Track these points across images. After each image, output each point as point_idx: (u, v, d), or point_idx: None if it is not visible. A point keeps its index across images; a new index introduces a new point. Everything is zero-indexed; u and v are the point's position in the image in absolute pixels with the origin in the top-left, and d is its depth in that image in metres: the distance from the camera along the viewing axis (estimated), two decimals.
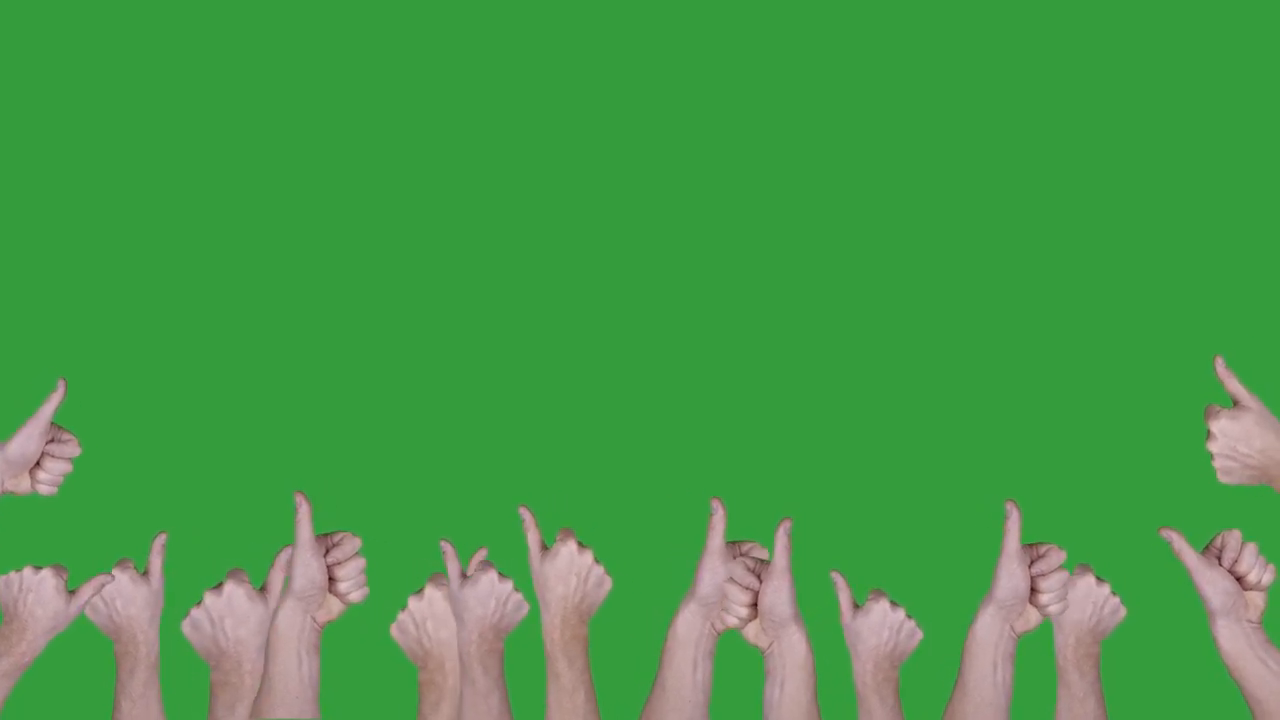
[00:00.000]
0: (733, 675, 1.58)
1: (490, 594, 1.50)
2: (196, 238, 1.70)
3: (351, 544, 1.52)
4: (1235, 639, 1.47)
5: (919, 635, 1.51)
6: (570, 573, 1.50)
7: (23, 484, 1.50)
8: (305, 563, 1.49)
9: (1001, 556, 1.47)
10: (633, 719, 1.54)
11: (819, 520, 1.65)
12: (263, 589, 1.52)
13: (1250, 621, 1.48)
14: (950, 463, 1.66)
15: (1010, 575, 1.47)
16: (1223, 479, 1.51)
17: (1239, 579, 1.49)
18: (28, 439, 1.48)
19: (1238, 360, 1.67)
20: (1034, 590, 1.48)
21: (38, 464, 1.50)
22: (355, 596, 1.52)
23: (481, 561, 1.52)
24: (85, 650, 1.58)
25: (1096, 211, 1.70)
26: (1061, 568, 1.49)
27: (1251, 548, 1.49)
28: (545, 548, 1.52)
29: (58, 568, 1.47)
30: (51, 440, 1.50)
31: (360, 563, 1.52)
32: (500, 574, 1.51)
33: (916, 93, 1.72)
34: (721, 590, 1.49)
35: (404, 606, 1.53)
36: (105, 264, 1.69)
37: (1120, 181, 1.70)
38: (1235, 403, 1.51)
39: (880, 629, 1.50)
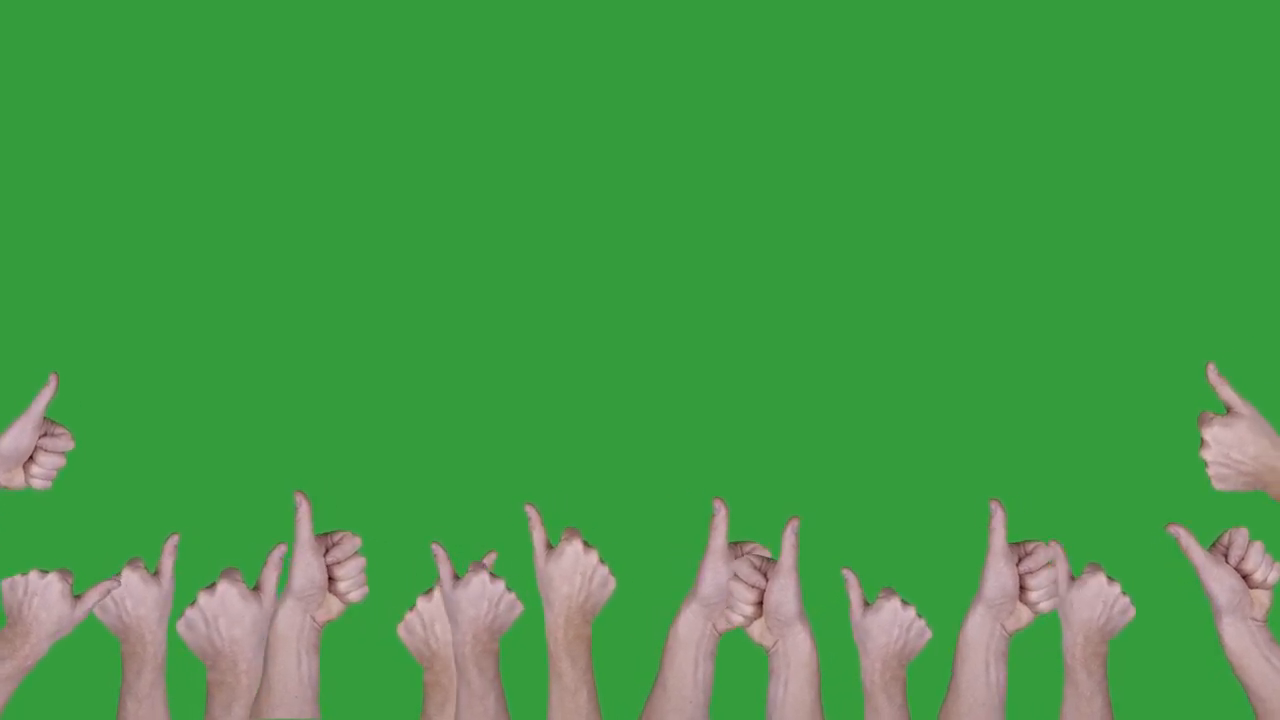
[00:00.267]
0: (735, 674, 1.58)
1: (482, 595, 1.50)
2: (193, 234, 1.69)
3: (351, 543, 1.52)
4: (1240, 637, 1.47)
5: (928, 635, 1.51)
6: (575, 572, 1.50)
7: (16, 479, 1.49)
8: (305, 562, 1.49)
9: (988, 556, 1.47)
10: (633, 719, 1.54)
11: (822, 519, 1.65)
12: (256, 588, 1.51)
13: (1255, 620, 1.48)
14: (951, 462, 1.66)
15: (998, 574, 1.47)
16: (1217, 486, 1.51)
17: (1245, 577, 1.49)
18: (20, 433, 1.47)
19: (1231, 365, 1.67)
20: (1023, 588, 1.49)
21: (31, 458, 1.49)
22: (355, 596, 1.51)
23: (474, 562, 1.51)
24: (90, 649, 1.58)
25: (1095, 215, 1.70)
26: (1049, 564, 1.49)
27: (1258, 546, 1.49)
28: (550, 546, 1.51)
29: (64, 572, 1.46)
30: (44, 434, 1.50)
31: (360, 562, 1.51)
32: (492, 575, 1.50)
33: (915, 94, 1.72)
34: (724, 591, 1.49)
35: (411, 606, 1.53)
36: (100, 259, 1.69)
37: (1118, 186, 1.71)
38: (1228, 410, 1.51)
39: (891, 627, 1.50)
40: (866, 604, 1.51)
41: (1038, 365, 1.68)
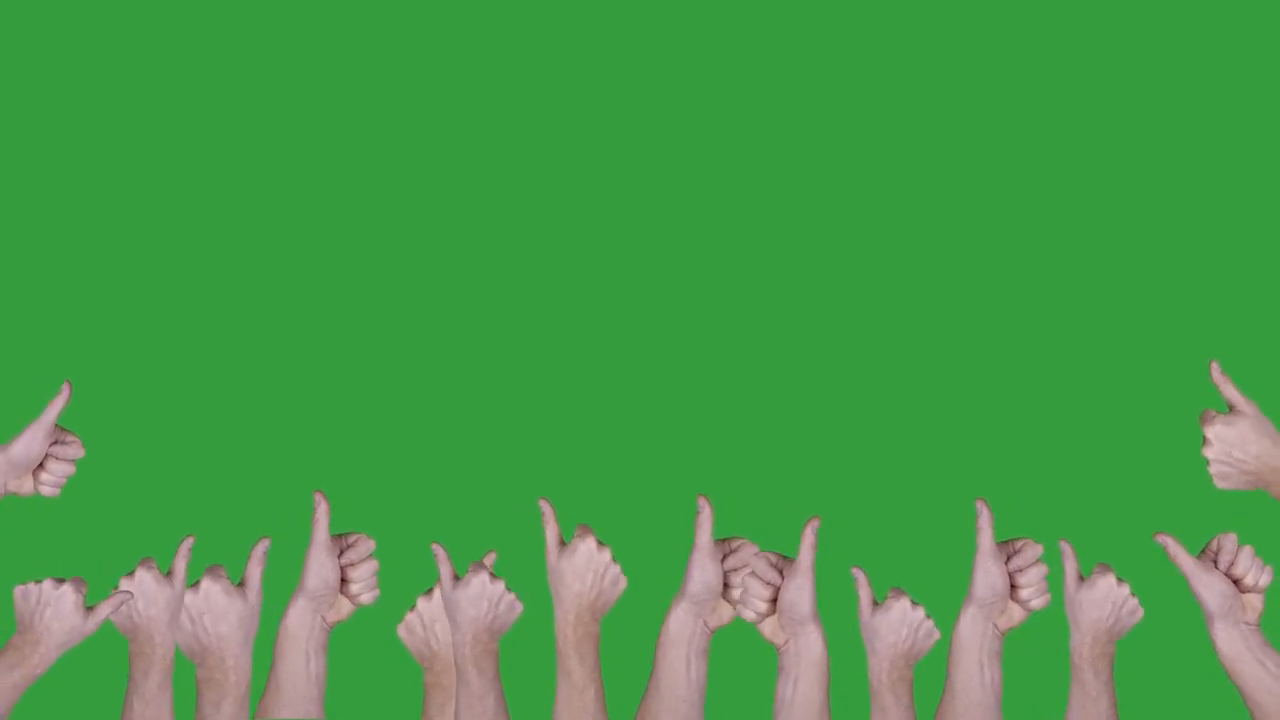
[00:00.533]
0: (736, 673, 1.59)
1: (482, 595, 1.50)
2: (202, 239, 1.70)
3: (366, 546, 1.52)
4: (1233, 642, 1.47)
5: (936, 635, 1.51)
6: (588, 570, 1.50)
7: (26, 485, 1.49)
8: (320, 562, 1.50)
9: (977, 555, 1.48)
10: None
11: (828, 519, 1.66)
12: (241, 584, 1.51)
13: (1248, 624, 1.48)
14: (954, 462, 1.67)
15: (987, 573, 1.47)
16: (1219, 485, 1.50)
17: (1236, 581, 1.49)
18: (32, 440, 1.47)
19: (1233, 364, 1.68)
20: (1014, 586, 1.49)
21: (41, 465, 1.49)
22: (366, 598, 1.52)
23: (474, 563, 1.51)
24: (94, 647, 1.58)
25: (1094, 214, 1.72)
26: (1039, 561, 1.49)
27: (1248, 550, 1.49)
28: (563, 543, 1.51)
29: (78, 582, 1.46)
30: (55, 442, 1.50)
31: (373, 565, 1.52)
32: (492, 575, 1.50)
33: (913, 93, 1.73)
34: (712, 588, 1.49)
35: (412, 607, 1.53)
36: (110, 266, 1.69)
37: (1117, 184, 1.72)
38: (1231, 408, 1.50)
39: (899, 627, 1.50)
40: (876, 603, 1.51)
41: (1039, 365, 1.69)
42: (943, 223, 1.72)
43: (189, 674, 1.54)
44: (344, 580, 1.51)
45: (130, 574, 1.49)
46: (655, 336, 1.70)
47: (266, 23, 1.72)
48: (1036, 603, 1.49)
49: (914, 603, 1.50)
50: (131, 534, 1.63)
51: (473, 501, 1.66)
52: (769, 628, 1.50)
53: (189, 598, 1.49)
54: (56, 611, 1.45)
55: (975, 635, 1.48)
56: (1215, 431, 1.49)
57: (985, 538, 1.47)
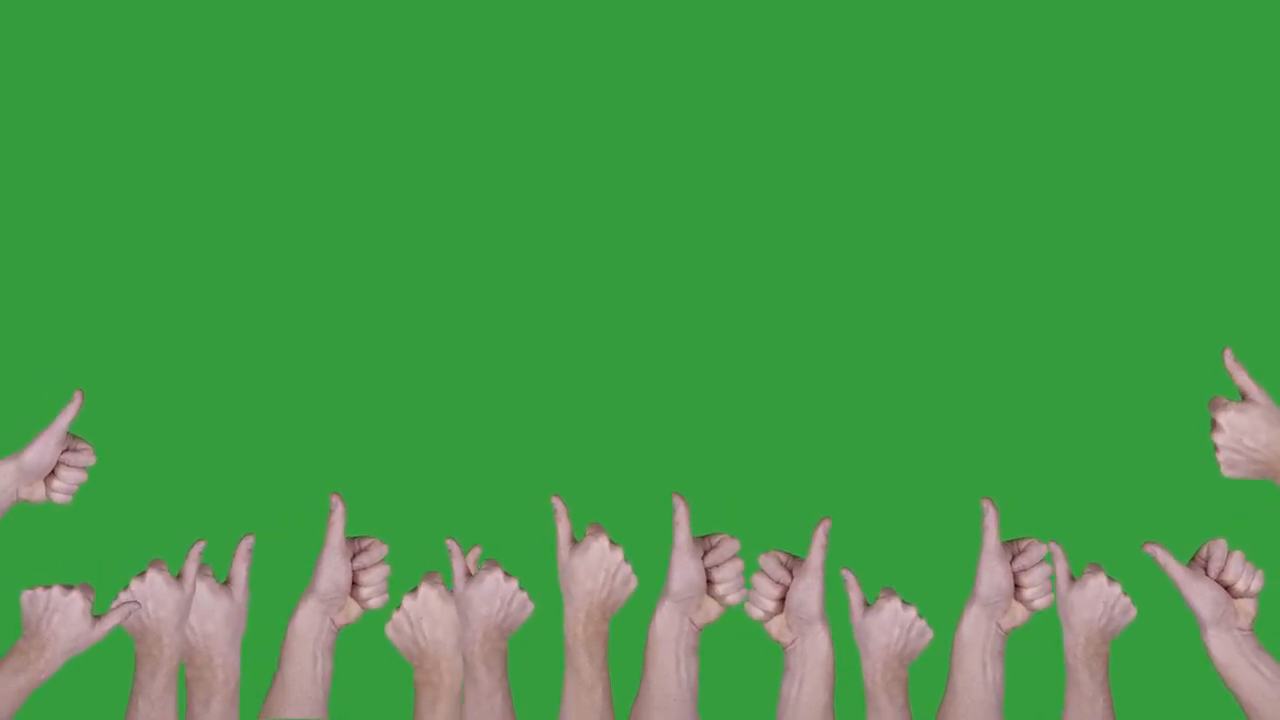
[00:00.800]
0: (735, 673, 1.59)
1: (495, 593, 1.50)
2: (209, 242, 1.69)
3: (379, 550, 1.53)
4: (1227, 648, 1.47)
5: (929, 635, 1.50)
6: (600, 568, 1.50)
7: (37, 492, 1.49)
8: (333, 565, 1.50)
9: (982, 554, 1.47)
10: None
11: (817, 518, 1.64)
12: (226, 581, 1.51)
13: (1241, 630, 1.47)
14: (953, 461, 1.67)
15: (992, 573, 1.47)
16: (1226, 472, 1.48)
17: (1227, 588, 1.48)
18: (44, 448, 1.47)
19: (1238, 356, 1.66)
20: (1018, 586, 1.49)
21: (53, 473, 1.49)
22: (375, 603, 1.52)
23: (488, 560, 1.52)
24: (98, 648, 1.58)
25: (1094, 210, 1.71)
26: (1043, 561, 1.49)
27: (1238, 556, 1.48)
28: (575, 541, 1.51)
29: (86, 589, 1.46)
30: (67, 449, 1.50)
31: (385, 570, 1.52)
32: (505, 573, 1.51)
33: (913, 92, 1.72)
34: (695, 585, 1.49)
35: (398, 606, 1.52)
36: (121, 274, 1.68)
37: (1118, 179, 1.71)
38: (1243, 396, 1.48)
39: (891, 628, 1.49)
40: (867, 604, 1.50)
41: (1037, 364, 1.68)
42: (942, 224, 1.71)
43: (180, 673, 1.54)
44: (354, 584, 1.52)
45: (141, 575, 1.48)
46: (667, 337, 1.69)
47: (270, 25, 1.72)
48: (1040, 602, 1.48)
49: (905, 603, 1.50)
50: (143, 539, 1.63)
51: (482, 501, 1.66)
52: (776, 627, 1.50)
53: (133, 590, 1.48)
54: (64, 617, 1.45)
55: (979, 635, 1.48)
56: (1227, 418, 1.47)
57: (991, 537, 1.47)
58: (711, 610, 1.50)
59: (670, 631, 1.49)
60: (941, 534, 1.65)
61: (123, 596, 1.48)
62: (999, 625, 1.49)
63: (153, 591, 1.48)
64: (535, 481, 1.67)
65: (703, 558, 1.50)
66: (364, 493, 1.66)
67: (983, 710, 1.49)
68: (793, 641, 1.50)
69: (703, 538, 1.51)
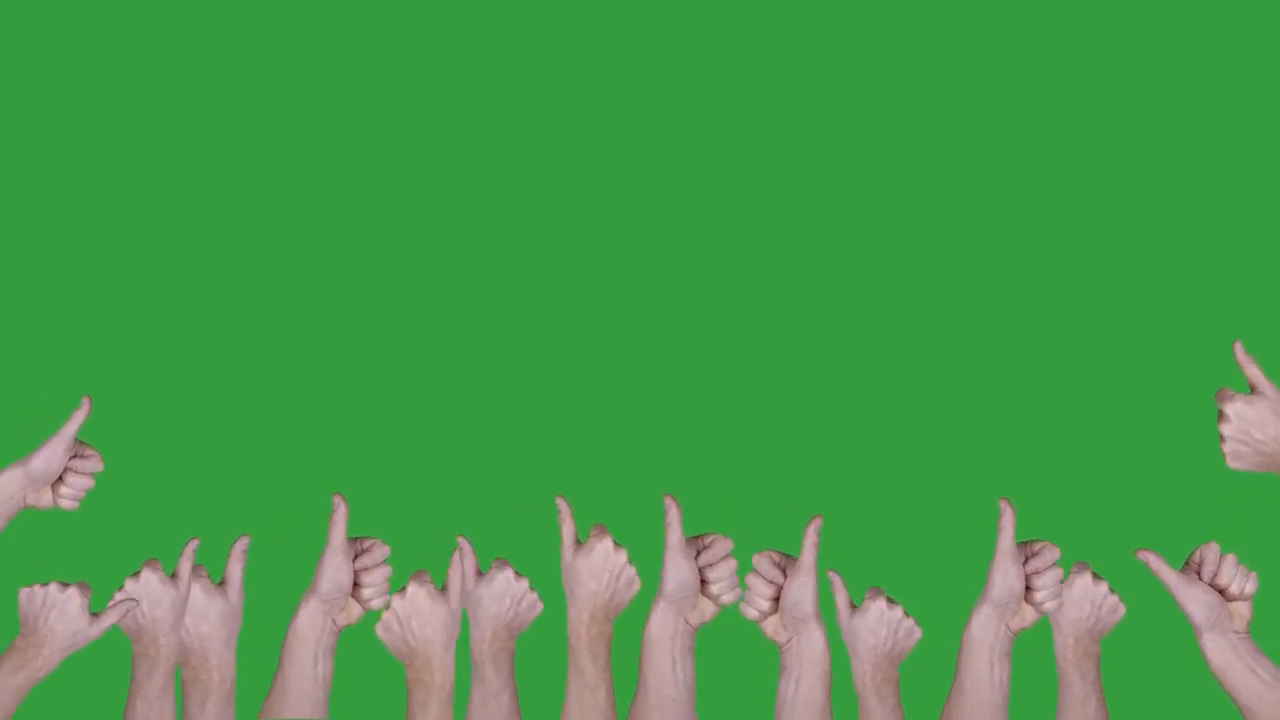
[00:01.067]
0: (734, 673, 1.59)
1: (506, 592, 1.51)
2: (209, 242, 1.70)
3: (381, 551, 1.52)
4: (1222, 651, 1.46)
5: (918, 634, 1.50)
6: (604, 570, 1.50)
7: (44, 498, 1.49)
8: (335, 565, 1.50)
9: (996, 555, 1.46)
10: None
11: (828, 518, 1.66)
12: (222, 582, 1.51)
13: (1236, 632, 1.47)
14: (949, 461, 1.67)
15: (1005, 574, 1.46)
16: (1232, 464, 1.47)
17: (1221, 591, 1.48)
18: (51, 454, 1.47)
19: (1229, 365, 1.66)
20: (1029, 588, 1.48)
21: (60, 479, 1.50)
22: (377, 603, 1.51)
23: (498, 559, 1.53)
24: (95, 649, 1.58)
25: (1095, 211, 1.71)
26: (1056, 564, 1.48)
27: (1230, 559, 1.48)
28: (579, 542, 1.51)
29: (84, 586, 1.47)
30: (74, 456, 1.50)
31: (386, 571, 1.52)
32: (516, 573, 1.51)
33: (915, 91, 1.72)
34: (688, 586, 1.49)
35: (388, 606, 1.52)
36: (123, 278, 1.69)
37: (1120, 179, 1.71)
38: (1253, 388, 1.47)
39: (878, 628, 1.49)
40: (853, 606, 1.50)
41: (1036, 364, 1.67)
42: (943, 223, 1.70)
43: (177, 674, 1.53)
44: (356, 584, 1.52)
45: (136, 575, 1.49)
46: (670, 339, 1.69)
47: (270, 26, 1.73)
48: (1050, 605, 1.47)
49: (891, 602, 1.50)
50: (145, 539, 1.63)
51: (484, 502, 1.66)
52: (771, 626, 1.50)
53: (127, 588, 1.48)
54: (62, 614, 1.45)
55: (988, 634, 1.48)
56: (1235, 409, 1.47)
57: (1006, 538, 1.46)
58: (706, 610, 1.50)
59: (665, 632, 1.49)
60: (939, 534, 1.65)
61: (120, 595, 1.48)
62: (1008, 626, 1.48)
63: (148, 591, 1.48)
64: (536, 482, 1.67)
65: (696, 558, 1.50)
66: (366, 493, 1.66)
67: (988, 710, 1.48)
68: (788, 641, 1.49)
69: (696, 538, 1.51)
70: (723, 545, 1.51)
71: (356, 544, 1.53)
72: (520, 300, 1.70)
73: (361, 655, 1.59)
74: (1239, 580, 1.48)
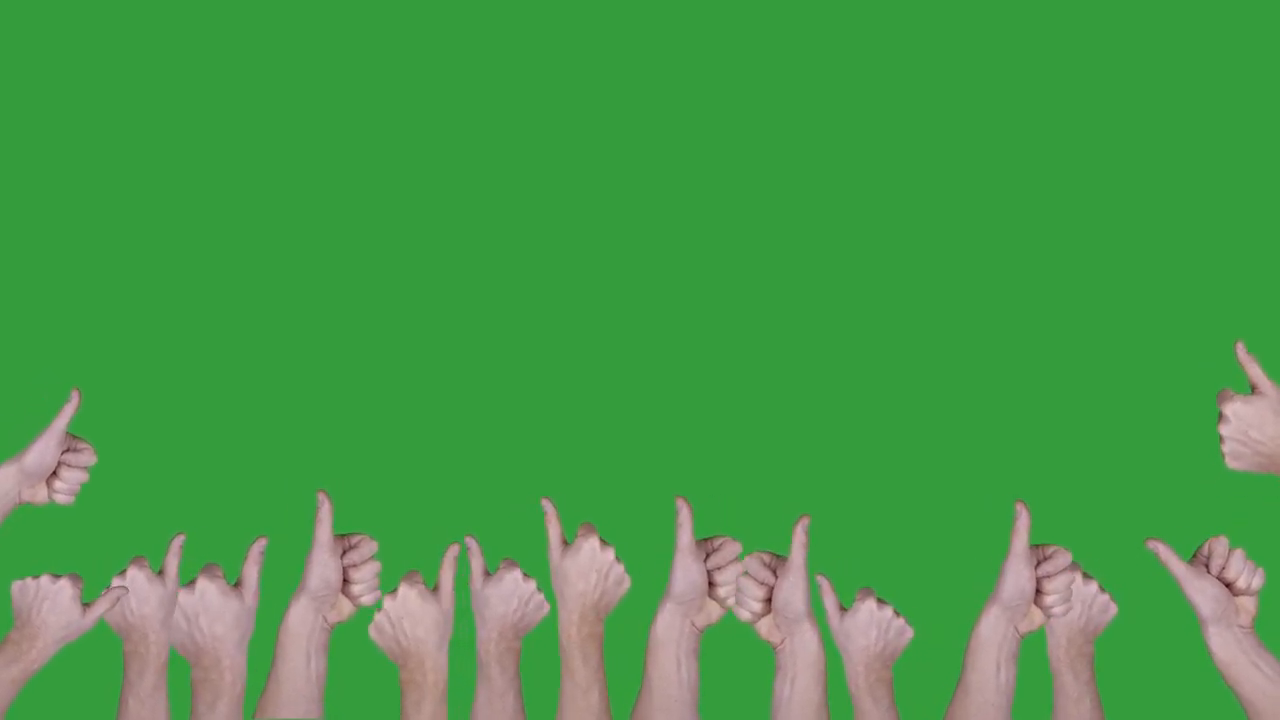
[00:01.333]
0: (732, 672, 1.59)
1: (513, 593, 1.51)
2: (201, 239, 1.71)
3: (369, 547, 1.53)
4: (1228, 645, 1.46)
5: (909, 633, 1.50)
6: (591, 569, 1.50)
7: (40, 494, 1.50)
8: (323, 562, 1.50)
9: (1009, 557, 1.46)
10: None
11: (821, 519, 1.66)
12: (237, 584, 1.52)
13: (1242, 627, 1.47)
14: (950, 461, 1.66)
15: (1017, 576, 1.46)
16: (1230, 464, 1.48)
17: (1228, 585, 1.48)
18: (44, 449, 1.48)
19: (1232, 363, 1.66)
20: (1038, 591, 1.48)
21: (54, 474, 1.50)
22: (367, 599, 1.52)
23: (506, 560, 1.52)
24: (89, 647, 1.58)
25: (1098, 213, 1.70)
26: (1068, 569, 1.48)
27: (1239, 553, 1.48)
28: (566, 542, 1.52)
29: (75, 577, 1.47)
30: (67, 450, 1.50)
31: (376, 566, 1.52)
32: (524, 573, 1.51)
33: (918, 90, 1.72)
34: (696, 588, 1.49)
35: (379, 607, 1.52)
36: (116, 275, 1.70)
37: (1121, 181, 1.71)
38: (1253, 388, 1.48)
39: (868, 628, 1.49)
40: (843, 609, 1.50)
41: (1036, 364, 1.68)
42: (946, 223, 1.71)
43: (185, 674, 1.54)
44: (346, 581, 1.52)
45: (122, 573, 1.49)
46: (658, 337, 1.70)
47: (270, 26, 1.74)
48: (1059, 609, 1.47)
49: (881, 602, 1.50)
50: (135, 535, 1.64)
51: (474, 501, 1.66)
52: (765, 627, 1.50)
53: (185, 597, 1.49)
54: (54, 605, 1.45)
55: (996, 636, 1.47)
56: (1234, 409, 1.47)
57: (1021, 540, 1.46)
58: (713, 612, 1.51)
59: (671, 633, 1.49)
60: (940, 534, 1.65)
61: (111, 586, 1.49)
62: (1016, 628, 1.48)
63: (135, 589, 1.49)
64: (528, 481, 1.67)
65: (705, 560, 1.50)
66: (356, 491, 1.67)
67: (993, 711, 1.48)
68: (782, 641, 1.50)
69: (705, 540, 1.52)
70: (732, 548, 1.51)
71: (344, 541, 1.53)
72: (514, 299, 1.71)
73: (356, 656, 1.59)
74: (1247, 575, 1.48)
